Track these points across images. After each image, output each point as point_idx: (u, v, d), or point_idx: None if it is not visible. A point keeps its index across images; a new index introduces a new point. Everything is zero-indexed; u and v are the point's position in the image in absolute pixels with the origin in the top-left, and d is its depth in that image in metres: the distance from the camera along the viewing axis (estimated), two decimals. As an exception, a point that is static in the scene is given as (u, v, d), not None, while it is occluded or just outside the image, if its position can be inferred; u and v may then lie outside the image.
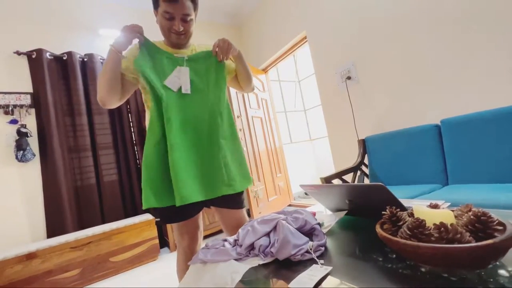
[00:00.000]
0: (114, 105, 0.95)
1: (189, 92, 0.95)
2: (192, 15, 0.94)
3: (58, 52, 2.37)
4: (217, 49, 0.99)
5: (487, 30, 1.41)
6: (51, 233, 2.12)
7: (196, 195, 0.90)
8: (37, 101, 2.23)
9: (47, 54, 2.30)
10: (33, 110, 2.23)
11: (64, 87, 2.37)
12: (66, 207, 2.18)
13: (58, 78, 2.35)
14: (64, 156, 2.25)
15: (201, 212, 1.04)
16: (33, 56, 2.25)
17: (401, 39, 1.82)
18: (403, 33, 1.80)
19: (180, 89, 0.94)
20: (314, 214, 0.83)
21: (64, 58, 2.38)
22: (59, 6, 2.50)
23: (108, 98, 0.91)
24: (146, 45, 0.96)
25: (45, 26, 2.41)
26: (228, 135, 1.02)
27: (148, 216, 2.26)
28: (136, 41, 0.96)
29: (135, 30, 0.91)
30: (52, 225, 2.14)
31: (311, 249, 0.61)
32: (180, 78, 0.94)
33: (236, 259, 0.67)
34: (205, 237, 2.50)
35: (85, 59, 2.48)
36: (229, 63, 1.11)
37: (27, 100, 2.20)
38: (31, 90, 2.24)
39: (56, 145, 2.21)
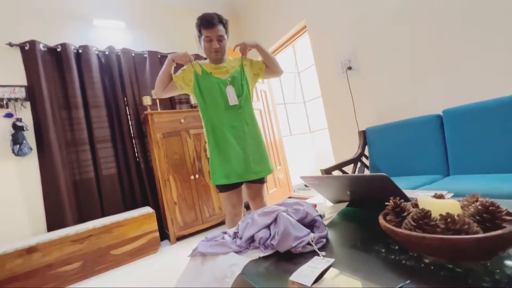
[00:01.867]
0: (161, 96, 1.41)
1: (237, 103, 1.33)
2: (225, 36, 1.33)
3: (51, 43, 2.32)
4: (238, 49, 1.36)
5: (491, 19, 1.37)
6: (51, 227, 2.12)
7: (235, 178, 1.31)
8: (32, 94, 2.18)
9: (41, 45, 2.25)
10: (28, 104, 2.19)
11: (59, 80, 2.33)
12: (66, 201, 2.17)
13: (52, 71, 2.30)
14: (62, 150, 2.23)
15: (241, 187, 1.39)
16: (26, 48, 2.19)
17: (403, 28, 1.77)
18: (405, 22, 1.75)
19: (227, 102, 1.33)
20: (315, 206, 0.82)
21: (58, 50, 2.32)
22: (51, -5, 2.42)
23: (158, 90, 1.37)
24: (197, 70, 1.35)
25: (37, 17, 2.34)
26: (255, 136, 1.39)
27: (148, 209, 2.26)
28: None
29: (189, 60, 1.32)
30: (52, 218, 2.14)
31: (312, 241, 0.60)
32: (230, 94, 1.33)
33: (236, 252, 0.66)
34: (205, 229, 2.52)
35: (80, 51, 2.42)
36: (257, 62, 1.46)
37: (21, 93, 2.16)
38: (25, 83, 2.19)
39: (53, 139, 2.18)
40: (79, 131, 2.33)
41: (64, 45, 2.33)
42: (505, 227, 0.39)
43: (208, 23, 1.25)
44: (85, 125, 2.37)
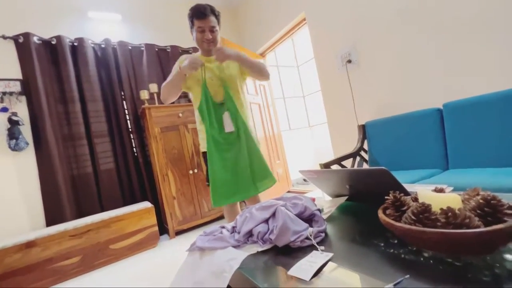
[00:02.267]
0: (171, 102, 1.40)
1: (233, 129, 1.32)
2: (217, 27, 1.31)
3: (46, 36, 2.27)
4: (215, 57, 1.25)
5: (491, 16, 1.35)
6: (50, 222, 2.12)
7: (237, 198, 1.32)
8: (27, 88, 2.15)
9: (35, 38, 2.20)
10: (23, 98, 2.16)
11: (55, 73, 2.29)
12: (64, 195, 2.16)
13: (48, 64, 2.26)
14: (59, 144, 2.21)
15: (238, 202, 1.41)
16: (20, 41, 2.15)
17: (404, 21, 1.74)
18: (406, 16, 1.72)
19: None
20: (313, 200, 0.81)
21: (53, 42, 2.28)
22: (45, -14, 2.36)
23: (169, 100, 1.36)
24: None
25: (31, 9, 2.29)
26: (250, 153, 1.32)
27: (146, 204, 2.26)
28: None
29: (195, 68, 1.23)
30: (51, 213, 2.13)
31: (311, 235, 0.59)
32: (226, 122, 1.33)
33: (234, 246, 0.66)
34: (204, 224, 2.52)
35: (75, 44, 2.38)
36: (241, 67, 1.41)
37: (16, 87, 2.12)
38: (20, 77, 2.16)
39: (50, 134, 2.16)
40: (76, 125, 2.30)
41: (59, 38, 2.28)
42: (506, 221, 0.39)
43: (201, 13, 1.25)
44: (82, 120, 2.34)
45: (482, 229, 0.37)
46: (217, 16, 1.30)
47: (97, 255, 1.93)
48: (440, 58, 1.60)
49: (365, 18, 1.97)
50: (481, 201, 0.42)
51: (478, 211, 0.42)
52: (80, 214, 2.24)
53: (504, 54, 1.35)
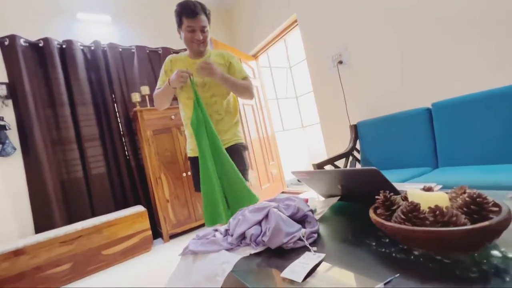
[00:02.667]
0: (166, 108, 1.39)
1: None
2: (208, 27, 1.23)
3: (33, 38, 2.22)
4: (200, 70, 1.17)
5: (478, 16, 1.39)
6: (39, 229, 2.06)
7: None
8: (14, 92, 2.10)
9: (21, 40, 2.15)
10: (10, 102, 2.10)
11: (43, 76, 2.24)
12: (53, 201, 2.11)
13: (35, 67, 2.21)
14: (48, 149, 2.16)
15: None
16: (6, 43, 2.10)
17: (393, 22, 1.77)
18: (396, 17, 1.75)
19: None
20: (306, 200, 0.82)
21: (41, 45, 2.23)
22: (31, -13, 2.31)
23: (163, 107, 1.35)
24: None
25: (17, 11, 2.24)
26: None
27: (139, 208, 2.23)
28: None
29: (183, 82, 1.17)
30: (40, 220, 2.08)
31: (303, 236, 0.60)
32: None
33: (227, 249, 0.65)
34: (198, 227, 2.50)
35: (64, 46, 2.33)
36: (233, 72, 1.34)
37: (2, 90, 2.07)
38: (6, 80, 2.10)
39: (38, 138, 2.11)
40: (66, 129, 2.25)
41: (46, 40, 2.23)
42: (492, 218, 0.40)
43: (191, 12, 1.15)
44: (72, 123, 2.29)
45: (469, 226, 0.38)
46: (207, 15, 1.22)
47: (88, 262, 1.89)
48: (429, 58, 1.63)
49: (355, 19, 2.00)
50: (467, 199, 0.43)
51: (465, 209, 0.43)
52: (71, 220, 2.19)
53: (490, 54, 1.39)
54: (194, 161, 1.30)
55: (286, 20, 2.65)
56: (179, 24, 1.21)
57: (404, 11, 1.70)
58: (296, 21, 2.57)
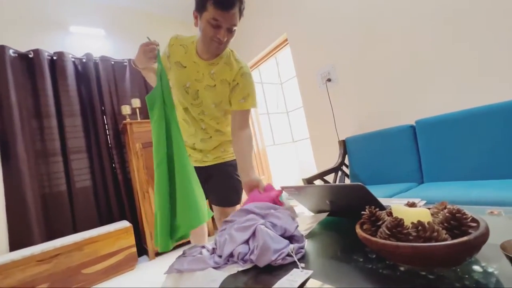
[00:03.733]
0: None
1: None
2: (236, 26, 0.93)
3: (23, 49, 2.20)
4: None
5: (460, 33, 1.49)
6: (14, 246, 1.94)
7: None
8: (-1, 102, 2.04)
9: (10, 51, 2.13)
10: (-7, 112, 2.04)
11: (31, 87, 2.21)
12: (33, 216, 2.01)
13: (23, 77, 2.18)
14: (30, 161, 2.08)
15: None
16: (-6, 53, 2.07)
17: (378, 43, 1.88)
18: (380, 38, 1.86)
19: None
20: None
21: (30, 56, 2.21)
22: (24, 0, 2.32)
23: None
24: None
25: (8, 22, 2.23)
26: None
27: (125, 223, 2.15)
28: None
29: (152, 56, 0.92)
30: (16, 236, 1.96)
31: (292, 252, 0.59)
32: None
33: (214, 267, 0.64)
34: (187, 243, 2.42)
35: (55, 58, 2.32)
36: (238, 101, 1.05)
37: (-14, 100, 2.01)
38: (-9, 90, 2.05)
39: (21, 149, 2.04)
40: (51, 141, 2.19)
41: (36, 51, 2.22)
42: (470, 233, 0.41)
43: (227, 2, 0.84)
44: (58, 135, 2.24)
45: (449, 242, 0.39)
46: (241, 12, 0.92)
47: (67, 281, 1.78)
48: (412, 77, 1.73)
49: (343, 40, 2.11)
50: (447, 214, 0.45)
51: (445, 224, 0.44)
52: (50, 237, 2.08)
53: (471, 74, 1.48)
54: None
55: (277, 39, 2.76)
56: (201, 8, 0.88)
57: (387, 33, 1.81)
58: (286, 40, 2.67)
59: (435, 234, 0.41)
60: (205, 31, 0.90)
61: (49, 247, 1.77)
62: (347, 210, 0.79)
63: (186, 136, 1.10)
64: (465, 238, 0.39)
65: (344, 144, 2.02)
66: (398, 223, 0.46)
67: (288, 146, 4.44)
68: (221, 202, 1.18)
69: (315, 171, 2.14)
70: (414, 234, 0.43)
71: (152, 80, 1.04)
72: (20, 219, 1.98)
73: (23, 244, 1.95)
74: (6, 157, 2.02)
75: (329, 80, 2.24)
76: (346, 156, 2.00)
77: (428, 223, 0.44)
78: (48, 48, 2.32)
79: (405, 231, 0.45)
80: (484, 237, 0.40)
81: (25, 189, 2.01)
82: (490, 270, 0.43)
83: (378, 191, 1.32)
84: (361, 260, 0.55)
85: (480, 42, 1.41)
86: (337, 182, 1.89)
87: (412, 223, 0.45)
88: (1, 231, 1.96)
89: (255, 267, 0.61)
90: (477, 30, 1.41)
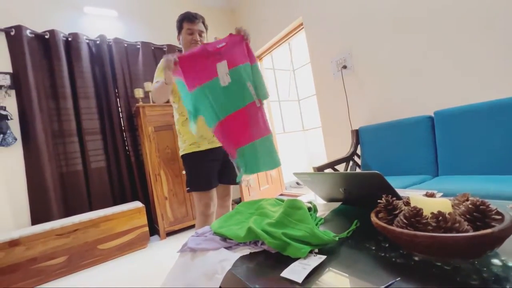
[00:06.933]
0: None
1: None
2: (204, 34, 1.37)
3: (39, 30, 2.23)
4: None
5: (483, 23, 1.40)
6: (35, 220, 2.06)
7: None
8: (17, 82, 2.10)
9: (28, 31, 2.16)
10: (13, 92, 2.10)
11: (47, 68, 2.24)
12: (51, 193, 2.11)
13: (40, 58, 2.21)
14: (48, 141, 2.16)
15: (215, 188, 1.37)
16: (12, 33, 2.10)
17: (399, 29, 1.78)
18: (402, 24, 1.76)
19: None
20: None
21: (46, 36, 2.23)
22: (40, -21, 2.32)
23: (160, 102, 1.37)
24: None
25: (25, 2, 2.24)
26: None
27: (137, 204, 2.22)
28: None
29: (172, 67, 1.08)
30: (37, 212, 2.07)
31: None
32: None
33: (226, 248, 0.65)
34: (193, 226, 2.49)
35: (70, 39, 2.34)
36: None
37: (6, 80, 2.07)
38: (10, 70, 2.10)
39: (39, 129, 2.11)
40: (67, 122, 2.25)
41: (52, 32, 2.24)
42: (494, 226, 0.40)
43: (192, 16, 1.32)
44: (74, 116, 2.30)
45: (471, 233, 0.38)
46: (205, 26, 1.37)
47: (84, 255, 1.88)
48: (432, 66, 1.64)
49: (361, 25, 2.01)
50: (470, 206, 0.43)
51: (468, 216, 0.43)
52: (68, 213, 2.19)
53: (494, 65, 1.40)
54: (193, 157, 1.31)
55: (292, 23, 2.66)
56: (180, 29, 1.34)
57: (410, 20, 1.71)
58: (301, 24, 2.58)
59: (457, 225, 0.40)
60: (186, 39, 1.33)
61: (68, 223, 1.87)
62: (361, 199, 0.78)
63: (203, 130, 1.30)
64: (489, 230, 0.37)
65: (357, 134, 1.98)
66: (417, 213, 0.45)
67: (298, 134, 4.40)
68: (232, 180, 1.42)
69: (324, 160, 2.12)
70: (434, 224, 0.42)
71: (165, 93, 1.25)
72: (40, 195, 2.08)
73: (43, 219, 2.06)
74: (27, 137, 2.10)
75: (344, 67, 2.16)
76: (359, 146, 1.97)
77: (449, 213, 0.43)
78: (63, 29, 2.33)
79: (424, 221, 0.44)
80: (509, 230, 0.39)
81: (44, 168, 2.10)
82: (511, 264, 0.41)
83: (391, 182, 1.29)
84: (374, 248, 0.55)
85: (510, 32, 1.31)
86: (349, 171, 1.87)
87: (432, 213, 0.44)
88: (24, 207, 2.08)
89: (265, 251, 0.62)
90: (506, 20, 1.31)
